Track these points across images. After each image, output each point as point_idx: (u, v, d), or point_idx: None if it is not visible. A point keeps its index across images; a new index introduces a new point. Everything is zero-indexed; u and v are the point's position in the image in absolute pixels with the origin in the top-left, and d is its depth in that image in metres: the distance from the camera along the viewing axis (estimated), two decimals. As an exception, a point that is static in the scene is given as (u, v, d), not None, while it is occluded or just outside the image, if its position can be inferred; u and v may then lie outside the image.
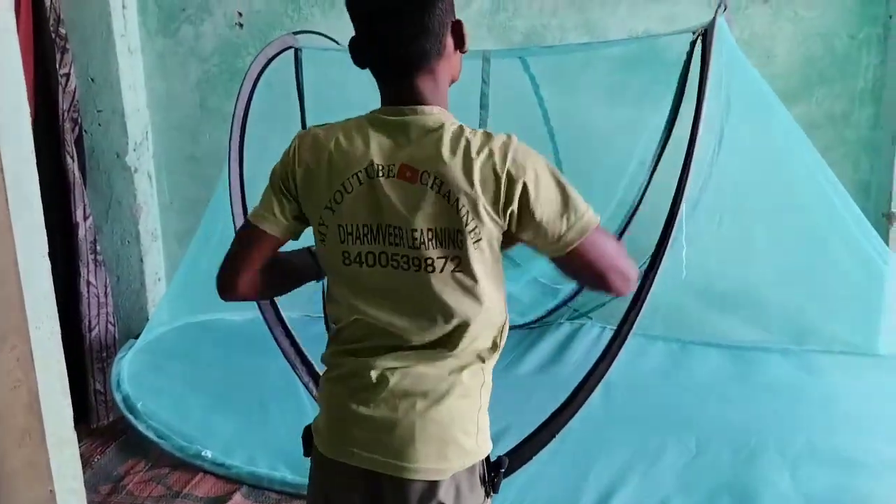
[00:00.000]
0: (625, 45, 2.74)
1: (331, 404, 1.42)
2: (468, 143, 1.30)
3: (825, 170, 2.42)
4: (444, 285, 1.32)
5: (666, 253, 2.05)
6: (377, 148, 1.33)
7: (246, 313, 3.04)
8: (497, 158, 1.28)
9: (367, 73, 1.36)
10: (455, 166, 1.29)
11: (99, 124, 3.01)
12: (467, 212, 1.29)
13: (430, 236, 1.31)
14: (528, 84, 2.79)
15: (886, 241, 2.73)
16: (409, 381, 1.36)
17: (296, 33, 2.61)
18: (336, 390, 1.42)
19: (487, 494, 1.42)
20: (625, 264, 1.36)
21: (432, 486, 1.36)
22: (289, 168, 1.37)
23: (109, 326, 2.85)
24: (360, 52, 1.36)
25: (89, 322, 2.79)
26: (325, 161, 1.35)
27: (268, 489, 2.32)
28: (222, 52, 3.06)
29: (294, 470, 2.31)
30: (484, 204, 1.28)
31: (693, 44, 2.31)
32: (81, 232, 2.72)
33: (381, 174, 1.32)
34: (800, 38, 2.75)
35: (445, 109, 1.37)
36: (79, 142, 2.81)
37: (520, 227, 1.30)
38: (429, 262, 1.32)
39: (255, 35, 2.97)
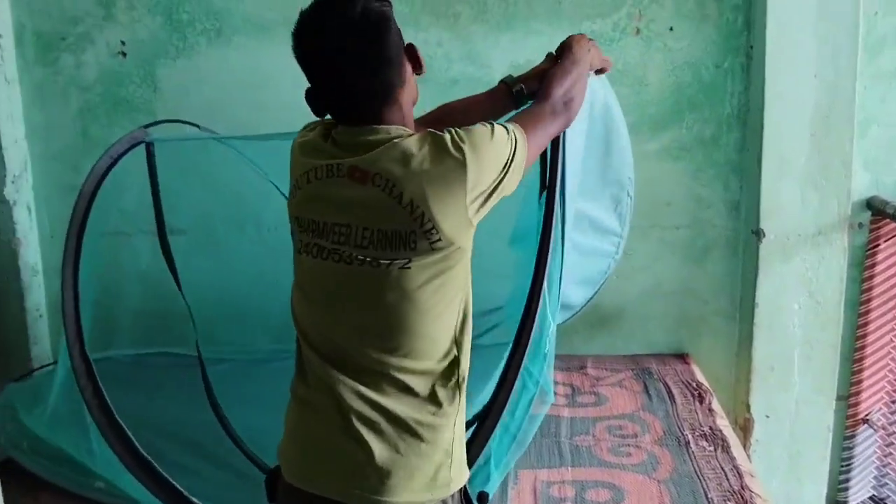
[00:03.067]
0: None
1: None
2: (425, 149, 1.35)
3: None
4: (392, 289, 1.35)
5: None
6: (329, 153, 1.41)
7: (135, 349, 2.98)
8: (446, 155, 1.34)
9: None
10: (407, 170, 1.33)
11: (-26, 156, 2.91)
12: (421, 213, 1.32)
13: (379, 237, 1.34)
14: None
15: (757, 257, 2.90)
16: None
17: (149, 125, 2.51)
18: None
19: None
20: (551, 116, 1.59)
21: None
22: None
23: (-12, 366, 2.74)
24: (318, 100, 1.43)
25: (-34, 362, 2.67)
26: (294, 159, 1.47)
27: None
28: (105, 82, 3.00)
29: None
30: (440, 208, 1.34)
31: None
32: (-45, 268, 2.61)
33: (328, 173, 1.38)
34: (670, 68, 2.91)
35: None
36: (-47, 175, 2.71)
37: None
38: (374, 262, 1.35)
39: (140, 64, 2.93)
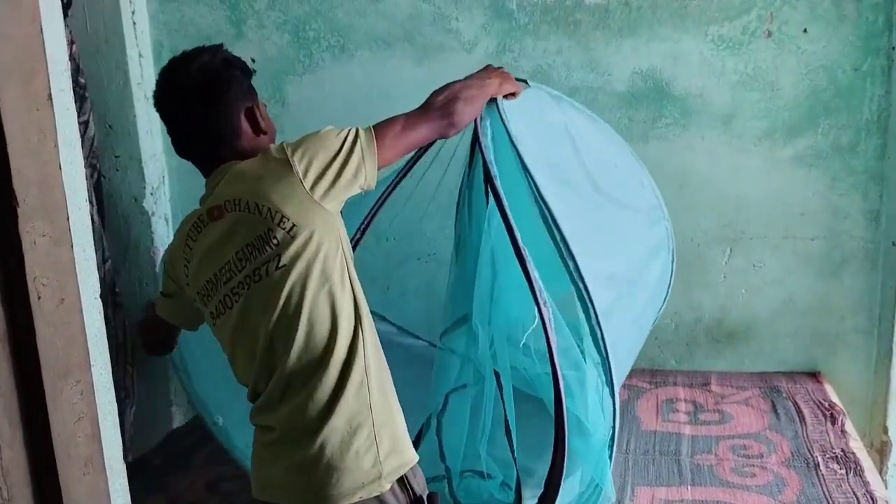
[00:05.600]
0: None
1: None
2: (256, 161, 1.58)
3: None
4: (281, 291, 1.50)
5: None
6: (198, 212, 1.63)
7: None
8: (271, 157, 1.56)
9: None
10: (244, 183, 1.54)
11: (117, 170, 3.08)
12: (267, 209, 1.50)
13: (249, 250, 1.50)
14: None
15: (897, 270, 2.74)
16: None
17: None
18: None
19: None
20: (413, 123, 1.70)
21: None
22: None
23: (127, 367, 2.89)
24: (178, 144, 1.68)
25: (107, 363, 2.82)
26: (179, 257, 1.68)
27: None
28: (236, 98, 3.12)
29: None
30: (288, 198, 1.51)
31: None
32: (101, 274, 2.76)
33: (197, 231, 1.58)
34: (804, 71, 2.77)
35: None
36: (98, 187, 2.87)
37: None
38: (256, 276, 1.50)
39: (269, 80, 3.03)
